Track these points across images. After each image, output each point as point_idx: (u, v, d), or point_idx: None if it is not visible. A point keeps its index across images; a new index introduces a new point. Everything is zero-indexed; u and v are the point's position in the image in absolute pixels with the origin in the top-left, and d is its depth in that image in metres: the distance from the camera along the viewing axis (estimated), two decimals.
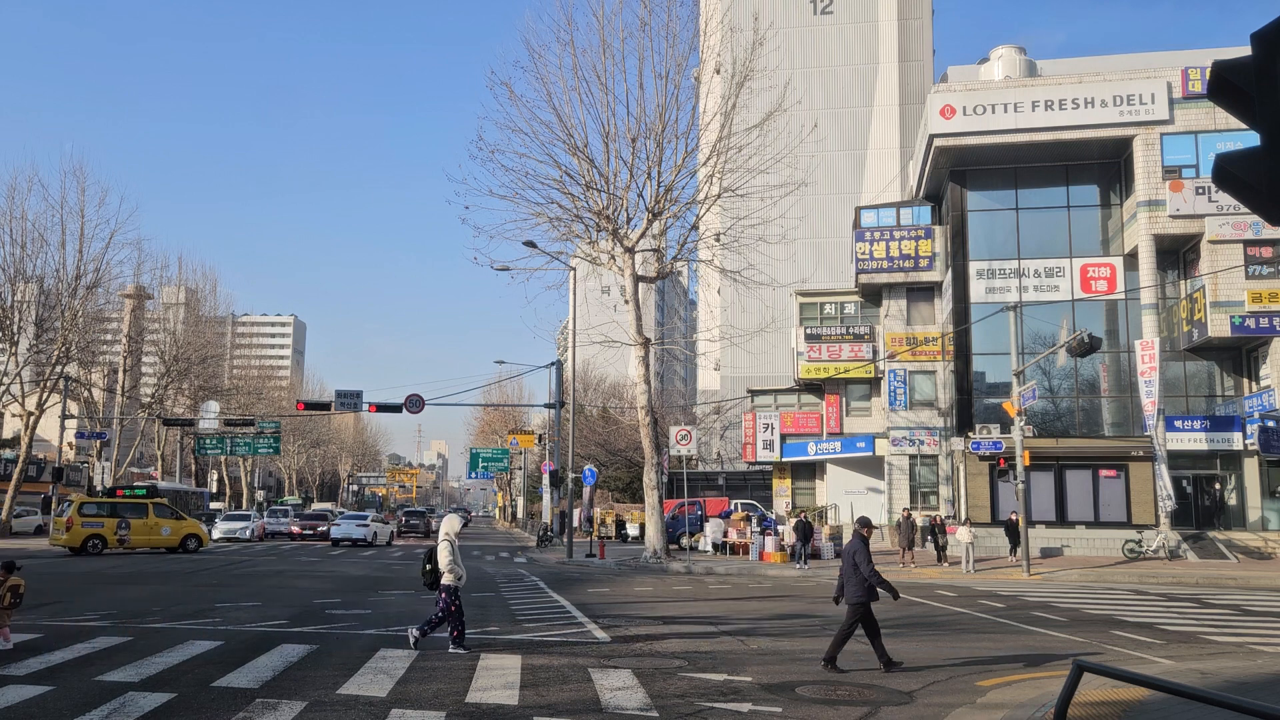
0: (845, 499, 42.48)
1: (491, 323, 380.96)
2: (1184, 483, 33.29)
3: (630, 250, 31.53)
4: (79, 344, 48.02)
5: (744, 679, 10.08)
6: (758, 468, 50.18)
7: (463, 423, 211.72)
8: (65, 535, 33.15)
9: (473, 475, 74.57)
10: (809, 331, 42.04)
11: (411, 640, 11.71)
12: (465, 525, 15.85)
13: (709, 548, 35.20)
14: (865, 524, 11.47)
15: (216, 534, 46.32)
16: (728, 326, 44.25)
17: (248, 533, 46.86)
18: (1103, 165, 35.65)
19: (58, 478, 45.31)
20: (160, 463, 67.27)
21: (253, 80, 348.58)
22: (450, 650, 11.53)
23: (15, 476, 46.62)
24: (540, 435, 61.62)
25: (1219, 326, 30.89)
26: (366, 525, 44.35)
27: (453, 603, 11.61)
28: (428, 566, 11.93)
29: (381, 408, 38.18)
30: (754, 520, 35.10)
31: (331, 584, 21.69)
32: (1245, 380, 33.86)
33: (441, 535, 11.80)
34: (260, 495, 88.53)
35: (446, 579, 11.59)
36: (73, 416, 51.12)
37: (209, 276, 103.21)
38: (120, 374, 60.67)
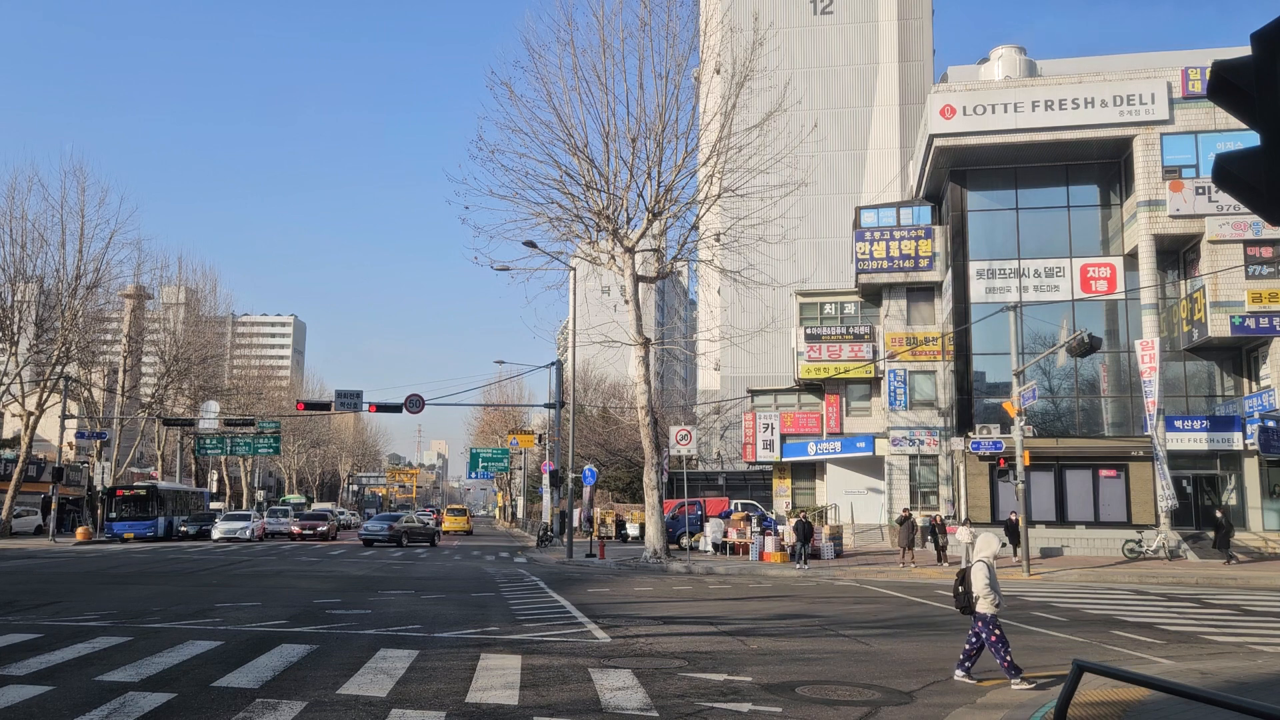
0: (845, 499, 42.50)
1: (491, 323, 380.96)
2: (1184, 483, 33.27)
3: (630, 250, 31.52)
4: (79, 344, 48.03)
5: (744, 679, 10.07)
6: (758, 468, 50.17)
7: (463, 423, 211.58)
8: (465, 525, 63.75)
9: (473, 475, 74.64)
10: (809, 331, 42.03)
11: (960, 674, 10.26)
12: (1003, 546, 13.75)
13: (709, 548, 35.18)
14: None
15: (216, 534, 46.33)
16: (728, 326, 44.23)
17: (248, 533, 46.83)
18: (1103, 165, 35.65)
19: (58, 478, 45.24)
20: (160, 463, 67.27)
21: (252, 80, 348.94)
22: (1012, 685, 9.69)
23: (15, 476, 46.63)
24: (540, 435, 61.60)
25: (1219, 326, 30.89)
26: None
27: (992, 632, 9.90)
28: (960, 589, 10.32)
29: (381, 408, 38.20)
30: (754, 520, 35.07)
31: (332, 584, 21.69)
32: (1245, 380, 33.85)
33: (977, 556, 10.22)
34: (260, 495, 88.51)
35: (983, 606, 9.92)
36: (73, 416, 51.12)
37: (209, 276, 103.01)
38: (120, 374, 60.70)
